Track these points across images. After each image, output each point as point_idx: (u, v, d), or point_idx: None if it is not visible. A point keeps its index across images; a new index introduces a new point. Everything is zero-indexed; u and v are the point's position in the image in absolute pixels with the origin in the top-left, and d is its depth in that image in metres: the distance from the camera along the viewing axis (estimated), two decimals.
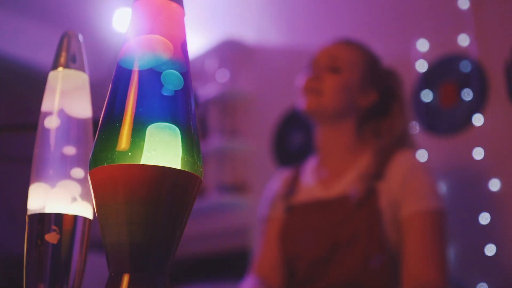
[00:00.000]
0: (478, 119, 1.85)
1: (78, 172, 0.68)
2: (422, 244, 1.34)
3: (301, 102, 1.50)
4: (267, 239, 1.56)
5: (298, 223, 1.48)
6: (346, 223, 1.39)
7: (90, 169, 0.48)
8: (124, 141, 0.47)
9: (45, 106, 0.69)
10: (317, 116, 1.50)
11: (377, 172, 1.43)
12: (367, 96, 1.51)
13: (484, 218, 1.76)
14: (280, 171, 1.69)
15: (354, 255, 1.36)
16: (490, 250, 1.73)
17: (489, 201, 1.78)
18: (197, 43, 3.02)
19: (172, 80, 0.49)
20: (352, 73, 1.48)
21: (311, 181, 1.53)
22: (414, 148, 1.55)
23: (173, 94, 0.49)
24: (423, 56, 2.02)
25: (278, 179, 1.63)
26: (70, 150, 0.68)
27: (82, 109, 0.70)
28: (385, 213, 1.38)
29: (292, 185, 1.56)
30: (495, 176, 1.78)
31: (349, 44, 1.54)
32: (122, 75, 0.50)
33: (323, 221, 1.43)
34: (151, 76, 0.49)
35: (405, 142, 1.51)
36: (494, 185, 1.77)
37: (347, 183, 1.45)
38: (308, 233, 1.44)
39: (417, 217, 1.36)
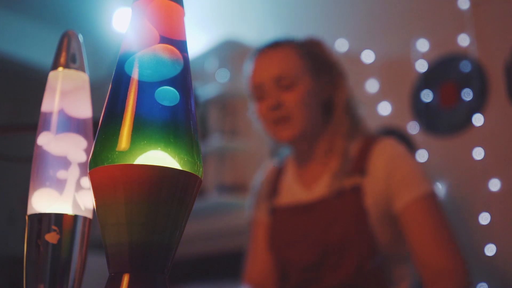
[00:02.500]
0: (478, 119, 1.85)
1: (78, 173, 0.68)
2: (427, 231, 1.31)
3: (277, 135, 1.44)
4: (255, 245, 1.55)
5: (284, 227, 1.46)
6: (333, 226, 1.36)
7: (90, 169, 0.48)
8: (124, 141, 0.47)
9: (45, 106, 0.69)
10: (298, 140, 1.44)
11: (358, 166, 1.40)
12: (324, 85, 1.47)
13: (484, 218, 1.76)
14: (265, 164, 1.68)
15: (346, 259, 1.34)
16: (490, 250, 1.73)
17: (489, 201, 1.77)
18: (197, 43, 3.02)
19: (167, 97, 0.49)
20: (304, 78, 1.44)
21: (293, 182, 1.51)
22: (361, 121, 1.51)
23: None
24: (423, 56, 2.02)
25: (263, 173, 1.62)
26: (70, 151, 0.68)
27: (82, 109, 0.70)
28: (372, 211, 1.36)
29: (274, 184, 1.55)
30: (495, 176, 1.78)
31: (278, 49, 1.47)
32: (122, 76, 0.50)
33: (310, 225, 1.40)
34: (151, 77, 0.49)
35: (354, 117, 1.48)
36: (494, 185, 1.77)
37: (327, 183, 1.42)
38: (296, 238, 1.42)
39: (413, 205, 1.33)
